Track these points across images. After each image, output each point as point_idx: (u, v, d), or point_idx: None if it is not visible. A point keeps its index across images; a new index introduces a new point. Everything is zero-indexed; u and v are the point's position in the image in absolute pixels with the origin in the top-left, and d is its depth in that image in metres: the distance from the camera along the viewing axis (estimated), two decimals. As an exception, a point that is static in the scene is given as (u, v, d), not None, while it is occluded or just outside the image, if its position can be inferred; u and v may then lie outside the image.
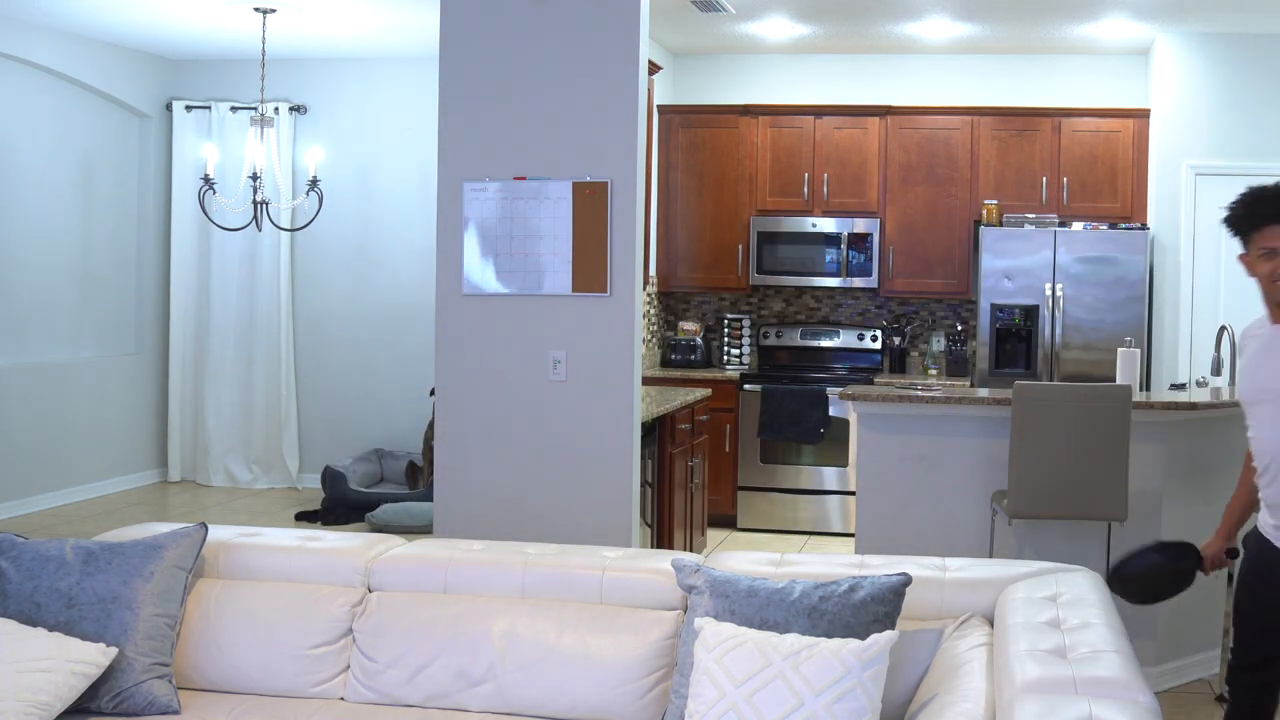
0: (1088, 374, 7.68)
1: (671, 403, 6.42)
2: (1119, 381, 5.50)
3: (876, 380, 7.96)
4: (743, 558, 3.41)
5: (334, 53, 9.07)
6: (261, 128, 7.91)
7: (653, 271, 8.47)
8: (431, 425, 7.84)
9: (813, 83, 8.77)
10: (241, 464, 9.49)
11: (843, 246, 8.35)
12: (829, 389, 7.99)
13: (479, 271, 5.39)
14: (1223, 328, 5.89)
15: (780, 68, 8.82)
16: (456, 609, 3.33)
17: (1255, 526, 3.62)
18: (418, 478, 8.56)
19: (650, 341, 8.64)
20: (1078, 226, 7.85)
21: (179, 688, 3.33)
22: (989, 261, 7.84)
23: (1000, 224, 7.92)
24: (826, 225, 8.38)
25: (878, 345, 8.58)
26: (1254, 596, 3.59)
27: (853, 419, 7.48)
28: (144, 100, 9.30)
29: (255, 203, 7.83)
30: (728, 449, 8.15)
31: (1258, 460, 3.56)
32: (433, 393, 5.59)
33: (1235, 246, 3.58)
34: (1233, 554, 3.78)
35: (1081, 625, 2.69)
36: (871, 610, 2.86)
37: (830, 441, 8.07)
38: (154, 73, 9.36)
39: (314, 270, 9.45)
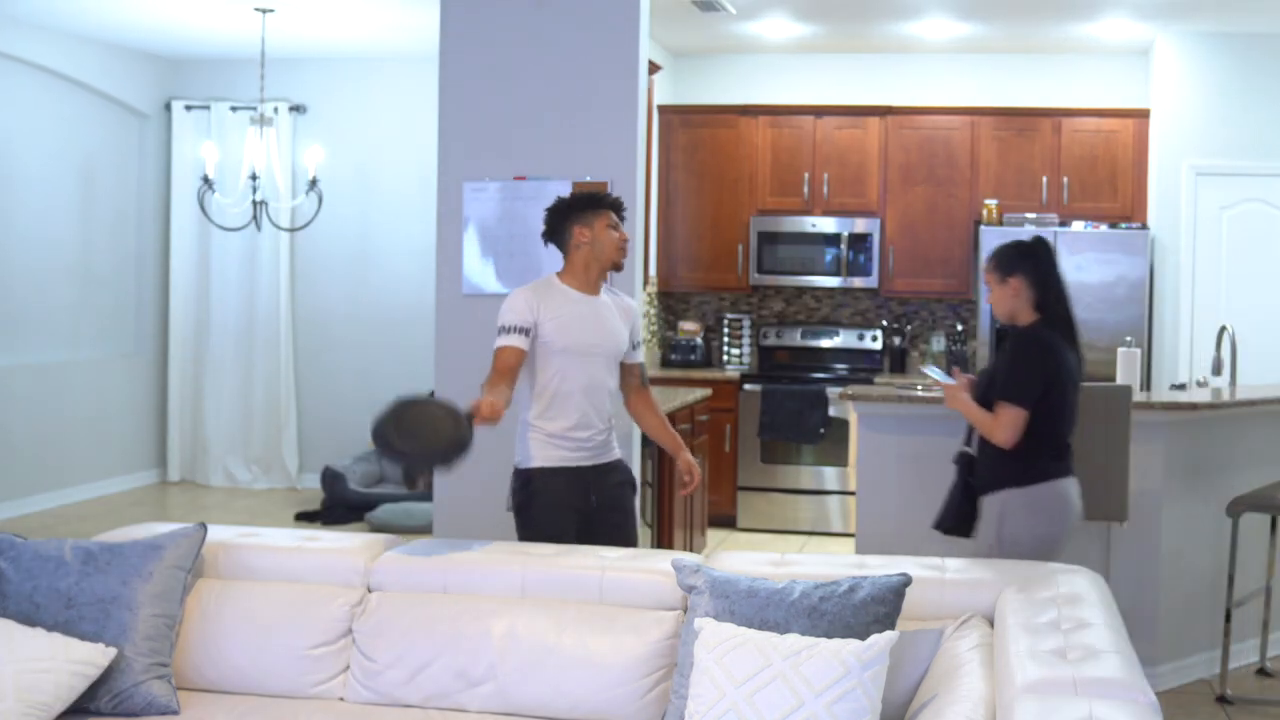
0: (1088, 374, 7.63)
1: (671, 403, 6.41)
2: (1119, 381, 5.49)
3: (876, 380, 7.96)
4: (743, 558, 3.41)
5: (334, 53, 9.07)
6: (261, 127, 7.90)
7: (652, 271, 8.47)
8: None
9: (813, 83, 8.77)
10: (241, 464, 9.49)
11: (843, 246, 8.34)
12: (829, 389, 7.99)
13: (479, 271, 5.39)
14: (1223, 327, 5.89)
15: (780, 68, 8.82)
16: (456, 609, 3.33)
17: None
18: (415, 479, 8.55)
19: (650, 341, 8.63)
20: (1078, 226, 7.84)
21: (178, 688, 3.32)
22: (989, 261, 7.83)
23: (1000, 224, 7.92)
24: (826, 225, 8.38)
25: (878, 345, 8.58)
26: None
27: (853, 419, 7.47)
28: (143, 100, 9.30)
29: (255, 203, 7.82)
30: (728, 449, 8.14)
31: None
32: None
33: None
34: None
35: (1081, 625, 2.69)
36: (871, 610, 2.86)
37: (830, 441, 8.06)
38: (153, 72, 9.36)
39: (314, 270, 9.44)
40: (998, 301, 4.14)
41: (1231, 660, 5.07)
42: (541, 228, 4.20)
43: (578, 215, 4.11)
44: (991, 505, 4.02)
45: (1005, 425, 3.93)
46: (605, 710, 3.15)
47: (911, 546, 5.02)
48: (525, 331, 4.02)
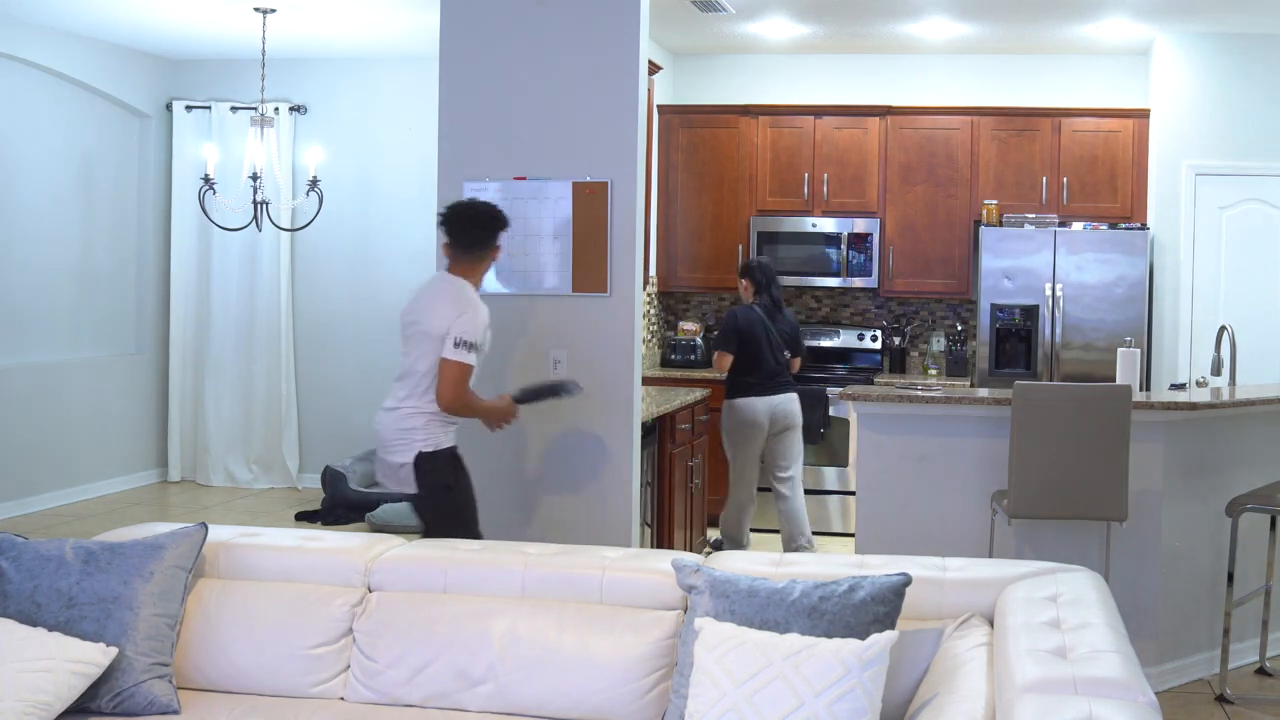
0: (1088, 374, 7.68)
1: (671, 403, 6.42)
2: (1119, 381, 5.50)
3: (876, 380, 7.96)
4: (743, 557, 3.41)
5: (334, 53, 9.07)
6: (261, 128, 7.90)
7: (653, 271, 8.47)
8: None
9: (813, 83, 8.77)
10: (241, 464, 9.49)
11: (843, 246, 8.35)
12: (829, 389, 7.99)
13: (479, 271, 5.38)
14: (1223, 328, 5.89)
15: (780, 68, 8.82)
16: (456, 609, 3.33)
17: None
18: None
19: (650, 341, 8.64)
20: (1078, 226, 7.85)
21: (179, 688, 3.33)
22: (989, 261, 7.84)
23: (1000, 224, 7.92)
24: (826, 225, 8.38)
25: (878, 345, 8.58)
26: None
27: (853, 419, 7.48)
28: (144, 100, 9.30)
29: (255, 203, 7.82)
30: (728, 449, 8.13)
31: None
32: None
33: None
34: None
35: (1081, 625, 2.69)
36: (871, 610, 2.86)
37: (830, 441, 8.06)
38: (154, 73, 9.36)
39: (314, 270, 9.45)
40: (740, 290, 7.13)
41: (1231, 660, 5.08)
42: (466, 224, 4.66)
43: (500, 235, 4.69)
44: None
45: (719, 364, 6.94)
46: (605, 710, 3.15)
47: (911, 546, 5.03)
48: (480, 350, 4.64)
